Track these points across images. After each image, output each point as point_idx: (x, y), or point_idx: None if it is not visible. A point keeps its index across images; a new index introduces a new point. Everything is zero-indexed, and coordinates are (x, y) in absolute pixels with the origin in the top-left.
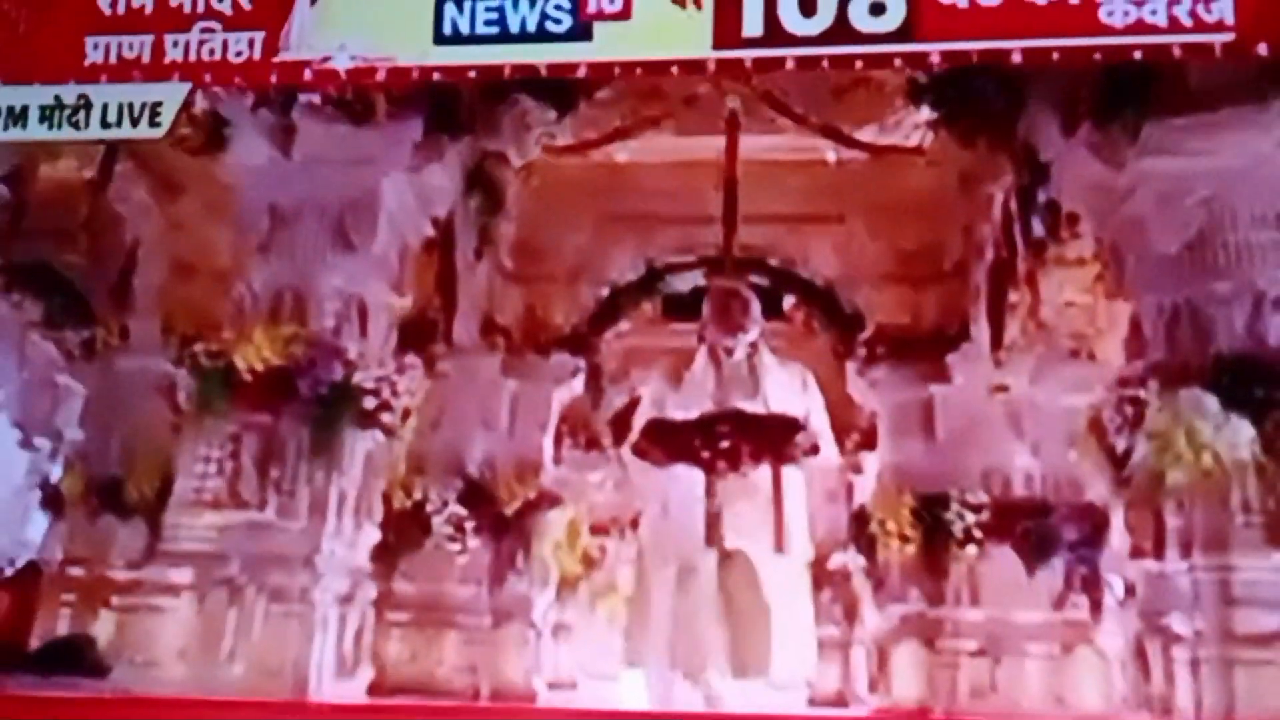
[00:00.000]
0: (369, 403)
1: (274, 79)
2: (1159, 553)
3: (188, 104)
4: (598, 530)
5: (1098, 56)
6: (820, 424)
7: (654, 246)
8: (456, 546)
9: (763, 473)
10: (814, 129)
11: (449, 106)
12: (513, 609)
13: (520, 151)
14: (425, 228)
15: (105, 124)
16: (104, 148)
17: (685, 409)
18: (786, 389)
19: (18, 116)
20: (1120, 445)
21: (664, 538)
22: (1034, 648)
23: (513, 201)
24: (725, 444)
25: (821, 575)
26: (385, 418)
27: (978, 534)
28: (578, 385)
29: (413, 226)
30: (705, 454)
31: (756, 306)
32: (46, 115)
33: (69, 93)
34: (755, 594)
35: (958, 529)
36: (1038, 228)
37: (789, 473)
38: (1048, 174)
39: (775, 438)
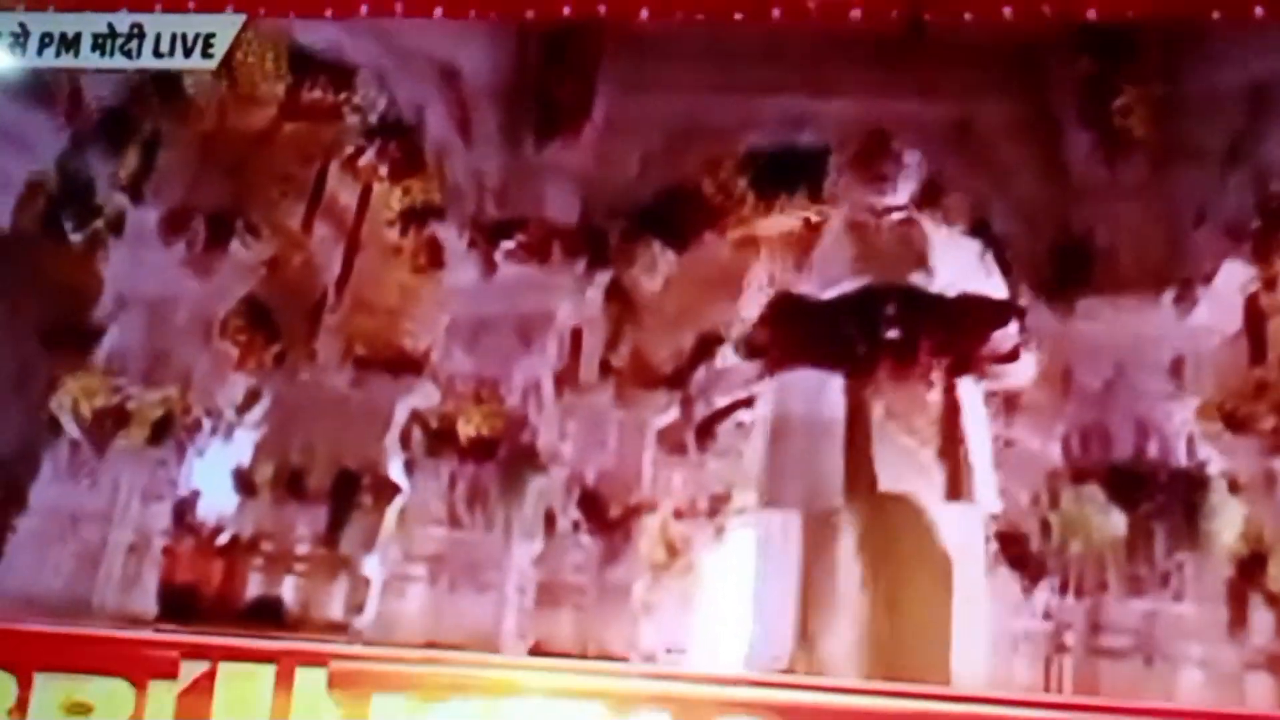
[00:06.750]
0: (543, 458)
1: (329, 14)
2: (1063, 592)
3: None
4: (679, 515)
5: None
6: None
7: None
8: (573, 542)
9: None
10: None
11: (602, 248)
12: (615, 593)
13: (650, 279)
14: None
15: (158, 54)
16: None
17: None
18: (965, 265)
19: (70, 43)
20: (1049, 520)
21: (781, 479)
22: (1024, 648)
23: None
24: (894, 334)
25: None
26: (552, 468)
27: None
28: (672, 413)
29: (570, 327)
30: (862, 349)
31: (912, 158)
32: (99, 44)
33: (122, 20)
34: (928, 563)
35: None
36: None
37: (967, 386)
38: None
39: (966, 329)
